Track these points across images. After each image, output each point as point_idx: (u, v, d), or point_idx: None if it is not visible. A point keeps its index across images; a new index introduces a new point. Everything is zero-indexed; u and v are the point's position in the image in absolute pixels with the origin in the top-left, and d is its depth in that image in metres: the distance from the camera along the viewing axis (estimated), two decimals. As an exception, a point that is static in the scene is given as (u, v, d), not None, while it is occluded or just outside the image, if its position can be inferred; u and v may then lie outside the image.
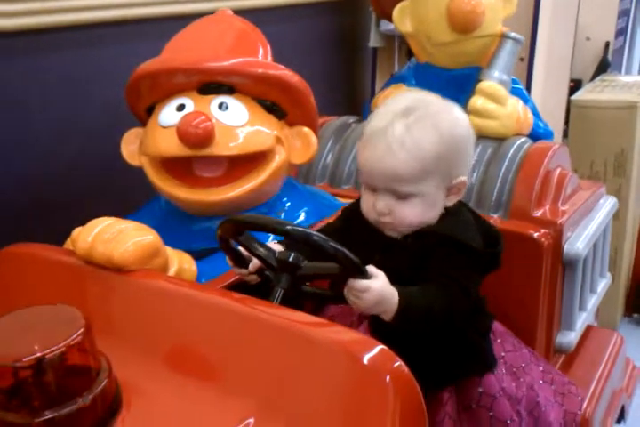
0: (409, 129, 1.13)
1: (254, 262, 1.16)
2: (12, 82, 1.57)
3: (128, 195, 1.65)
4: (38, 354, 0.82)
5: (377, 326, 1.21)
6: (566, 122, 3.31)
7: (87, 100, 1.73)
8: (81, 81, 1.71)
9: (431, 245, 1.15)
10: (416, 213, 1.16)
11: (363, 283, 1.04)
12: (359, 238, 1.21)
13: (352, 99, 2.79)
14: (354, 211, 1.27)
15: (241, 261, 1.17)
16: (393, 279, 1.09)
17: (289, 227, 1.05)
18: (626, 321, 2.94)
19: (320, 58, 2.50)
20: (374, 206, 1.17)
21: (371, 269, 1.06)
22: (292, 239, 1.08)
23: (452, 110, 1.20)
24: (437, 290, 1.12)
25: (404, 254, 1.18)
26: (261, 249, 1.13)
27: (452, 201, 1.21)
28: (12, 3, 1.50)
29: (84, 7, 1.66)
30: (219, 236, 1.12)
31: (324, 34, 2.56)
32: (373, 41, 2.67)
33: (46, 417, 0.82)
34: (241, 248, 1.16)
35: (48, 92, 1.65)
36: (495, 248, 1.22)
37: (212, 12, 1.54)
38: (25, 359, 0.82)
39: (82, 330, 0.86)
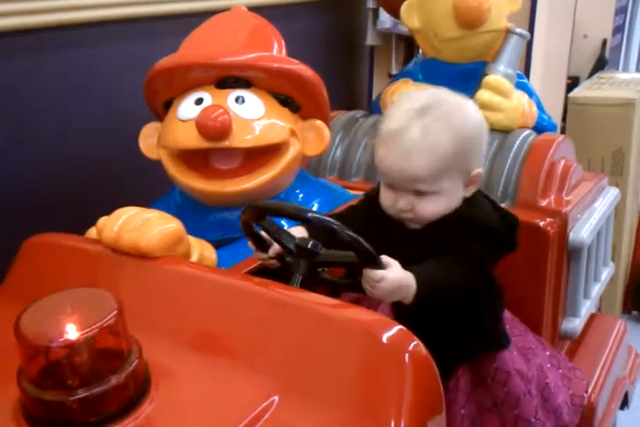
0: (424, 132, 1.14)
1: (275, 247, 1.19)
2: (9, 81, 1.59)
3: (132, 192, 1.68)
4: (72, 336, 0.85)
5: (398, 310, 1.25)
6: (564, 119, 3.33)
7: (85, 98, 1.76)
8: (79, 80, 1.74)
9: (451, 229, 1.18)
10: (437, 207, 1.19)
11: (378, 273, 1.06)
12: (380, 227, 1.24)
13: (350, 97, 2.81)
14: (376, 200, 1.28)
15: (262, 246, 1.21)
16: (409, 265, 1.11)
17: (310, 215, 1.09)
18: (624, 318, 2.96)
19: (317, 56, 2.49)
20: (395, 204, 1.19)
21: (385, 258, 1.09)
22: (313, 227, 1.12)
23: (466, 106, 1.21)
24: (454, 263, 1.15)
25: (426, 242, 1.20)
26: (282, 234, 1.17)
27: (470, 191, 1.23)
28: (10, 2, 1.52)
29: (84, 6, 1.68)
30: (243, 220, 1.16)
31: (321, 32, 2.58)
32: (370, 39, 2.69)
33: (80, 396, 0.86)
34: (263, 233, 1.19)
35: (46, 92, 1.67)
36: (513, 231, 1.24)
37: (208, 11, 1.57)
38: (60, 340, 0.85)
39: (115, 313, 0.89)
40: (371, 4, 2.65)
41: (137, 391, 0.92)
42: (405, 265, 1.11)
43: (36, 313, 0.91)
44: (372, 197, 1.32)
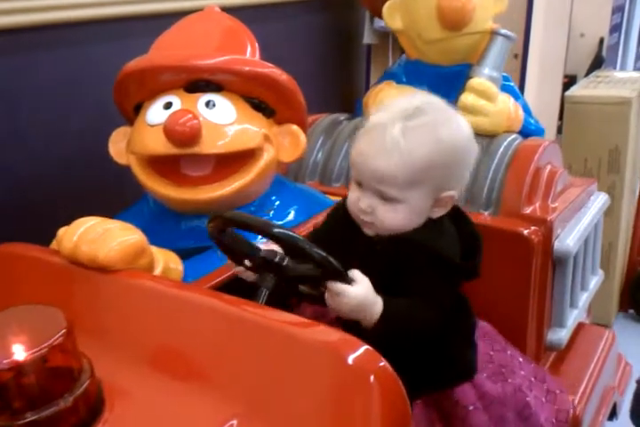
0: (407, 133, 1.10)
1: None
2: (1, 80, 1.56)
3: (119, 194, 1.65)
4: (19, 356, 0.81)
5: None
6: (560, 118, 3.31)
7: (78, 98, 1.73)
8: (71, 79, 1.71)
9: (405, 252, 1.14)
10: (398, 218, 1.14)
11: (339, 286, 1.03)
12: (343, 237, 1.20)
13: (346, 96, 2.78)
14: (336, 215, 1.26)
15: (235, 257, 1.16)
16: (372, 282, 1.08)
17: (275, 229, 1.04)
18: (621, 316, 2.95)
19: (314, 55, 2.49)
20: (357, 203, 1.15)
21: (355, 274, 1.05)
22: (278, 242, 1.07)
23: (458, 121, 1.17)
24: (420, 304, 1.11)
25: (381, 256, 1.16)
26: (246, 246, 1.13)
27: (437, 213, 1.18)
28: (3, 1, 1.49)
29: (76, 5, 1.65)
30: (209, 232, 1.12)
31: (318, 31, 2.56)
32: (367, 38, 2.66)
33: (28, 419, 0.82)
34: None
35: (38, 91, 1.64)
36: (473, 260, 1.19)
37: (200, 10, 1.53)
38: (5, 362, 0.81)
39: (63, 331, 0.85)
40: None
41: (89, 413, 0.88)
42: (365, 275, 1.08)
43: (-19, 333, 0.87)
44: (334, 210, 1.29)
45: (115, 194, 1.72)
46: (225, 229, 1.11)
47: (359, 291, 1.04)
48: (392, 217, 1.14)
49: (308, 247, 1.02)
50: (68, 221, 1.18)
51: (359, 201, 1.15)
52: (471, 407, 1.22)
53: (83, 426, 0.86)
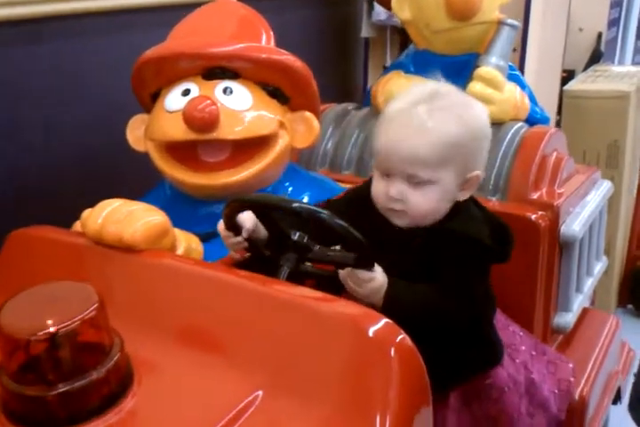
0: (433, 113, 1.12)
1: (247, 230, 1.15)
2: (2, 72, 1.57)
3: (123, 186, 1.66)
4: (52, 328, 0.84)
5: None
6: (559, 112, 3.32)
7: (77, 90, 1.74)
8: (73, 71, 1.72)
9: (441, 244, 1.15)
10: (430, 201, 1.15)
11: (366, 274, 1.07)
12: (362, 227, 1.19)
13: (344, 89, 2.79)
14: (359, 197, 1.26)
15: (234, 229, 1.17)
16: (395, 274, 1.12)
17: (296, 205, 1.07)
18: (620, 312, 2.96)
19: (311, 48, 2.50)
20: (387, 192, 1.16)
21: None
22: (302, 218, 1.09)
23: (477, 105, 1.20)
24: (440, 292, 1.13)
25: (408, 250, 1.18)
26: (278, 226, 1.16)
27: (464, 196, 1.20)
28: None
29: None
30: (226, 213, 1.15)
31: (316, 24, 2.56)
32: (365, 31, 2.68)
33: (60, 390, 0.84)
34: (240, 216, 1.16)
35: (39, 82, 1.66)
36: (507, 245, 1.21)
37: (202, 3, 1.54)
38: (39, 333, 0.84)
39: (95, 305, 0.88)
40: (370, -3, 2.63)
41: (119, 386, 0.91)
42: (388, 269, 1.11)
43: (16, 307, 0.90)
44: (354, 194, 1.30)
45: (120, 185, 1.72)
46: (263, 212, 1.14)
47: (382, 276, 1.09)
48: (423, 201, 1.15)
49: (353, 236, 1.04)
50: (74, 212, 1.21)
51: (388, 190, 1.16)
52: (506, 388, 1.26)
53: (113, 398, 0.89)
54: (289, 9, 2.34)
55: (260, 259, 1.19)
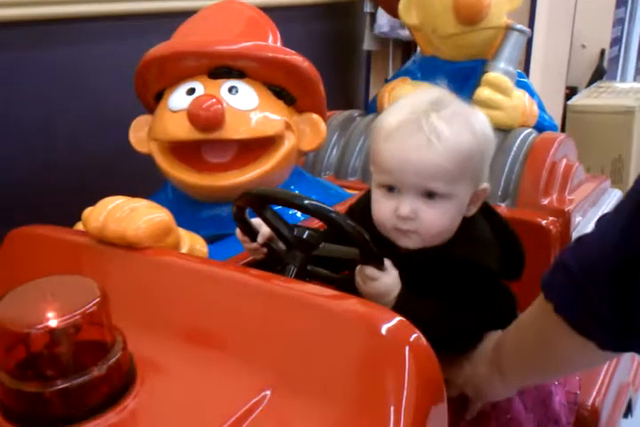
0: (445, 121, 1.02)
1: (263, 234, 1.13)
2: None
3: (123, 189, 1.64)
4: (52, 322, 0.81)
5: None
6: (562, 128, 3.32)
7: (78, 92, 1.73)
8: (70, 74, 1.71)
9: (444, 268, 1.08)
10: (445, 219, 1.05)
11: (375, 273, 1.03)
12: None
13: (346, 102, 2.78)
14: (359, 212, 1.18)
15: (250, 234, 1.15)
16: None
17: (306, 202, 1.02)
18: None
19: (314, 60, 2.49)
20: (396, 211, 1.05)
21: (387, 264, 1.04)
22: (312, 215, 1.06)
23: (480, 113, 1.11)
24: (449, 310, 1.07)
25: (413, 274, 1.08)
26: (281, 224, 1.12)
27: (471, 211, 1.10)
28: None
29: (76, 0, 1.65)
30: (237, 206, 1.11)
31: (318, 36, 2.56)
32: (367, 44, 2.67)
33: (59, 387, 0.81)
34: (254, 220, 1.14)
35: (36, 85, 1.64)
36: (518, 266, 1.17)
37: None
38: (39, 327, 0.80)
39: (97, 300, 0.85)
40: (368, 8, 2.63)
41: (120, 384, 0.87)
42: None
43: (15, 300, 0.86)
44: (354, 211, 1.22)
45: (120, 188, 1.71)
46: (260, 205, 1.10)
47: (390, 280, 1.05)
48: (438, 219, 1.05)
49: (356, 231, 1.00)
50: (74, 214, 1.18)
51: (398, 208, 1.05)
52: (514, 397, 1.20)
53: (114, 397, 0.85)
54: (291, 21, 2.33)
55: (279, 261, 1.15)
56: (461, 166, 1.03)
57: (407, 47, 2.84)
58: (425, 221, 1.05)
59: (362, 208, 1.16)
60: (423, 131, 1.01)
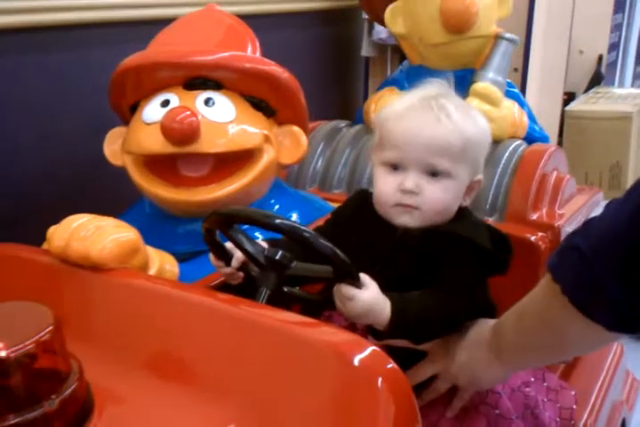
0: (454, 106, 1.10)
1: (237, 258, 1.09)
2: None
3: (111, 199, 1.60)
4: (2, 353, 0.76)
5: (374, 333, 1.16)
6: (560, 134, 3.28)
7: (70, 101, 1.69)
8: (64, 82, 1.67)
9: (442, 245, 1.10)
10: (446, 196, 1.10)
11: (349, 291, 0.99)
12: (357, 242, 1.15)
13: (344, 108, 2.75)
14: (347, 213, 1.22)
15: (224, 257, 1.11)
16: (396, 282, 1.06)
17: (278, 221, 0.98)
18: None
19: (312, 67, 2.48)
20: (400, 185, 1.09)
21: (363, 278, 1.01)
22: (284, 235, 1.01)
23: (474, 108, 1.19)
24: (441, 296, 1.07)
25: (410, 255, 1.12)
26: (250, 245, 1.07)
27: (465, 201, 1.16)
28: None
29: (71, 7, 1.62)
30: (205, 228, 1.06)
31: (316, 43, 2.54)
32: (365, 50, 2.64)
33: (11, 422, 0.76)
34: (227, 244, 1.10)
35: (30, 93, 1.60)
36: (507, 254, 1.16)
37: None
38: (-12, 357, 0.76)
39: (50, 328, 0.80)
40: (366, 15, 2.59)
41: (76, 417, 0.82)
42: (389, 275, 1.06)
43: (-36, 328, 0.82)
44: (340, 213, 1.24)
45: (107, 199, 1.67)
46: (229, 226, 1.05)
47: (367, 296, 1.00)
48: (440, 195, 1.09)
49: (322, 244, 0.96)
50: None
51: (403, 183, 1.09)
52: (502, 391, 1.19)
53: (70, 430, 0.81)
54: (289, 28, 2.32)
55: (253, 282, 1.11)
56: (465, 148, 1.09)
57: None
58: (427, 196, 1.09)
59: (348, 210, 1.22)
60: (434, 110, 1.09)
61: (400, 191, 1.09)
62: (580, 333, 0.91)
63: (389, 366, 0.85)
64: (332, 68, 2.66)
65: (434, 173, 1.09)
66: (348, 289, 0.99)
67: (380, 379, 0.83)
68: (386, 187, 1.11)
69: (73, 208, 1.16)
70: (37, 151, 1.64)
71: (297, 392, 0.85)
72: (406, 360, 0.90)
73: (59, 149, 1.67)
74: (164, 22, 1.50)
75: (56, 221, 1.14)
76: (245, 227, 1.10)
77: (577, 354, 1.33)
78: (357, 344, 0.87)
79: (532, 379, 1.32)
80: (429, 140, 1.08)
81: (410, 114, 1.11)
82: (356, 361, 0.84)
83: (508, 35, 1.80)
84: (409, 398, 0.85)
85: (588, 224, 0.88)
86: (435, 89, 1.14)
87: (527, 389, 1.28)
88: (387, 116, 1.14)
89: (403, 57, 2.77)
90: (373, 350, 0.86)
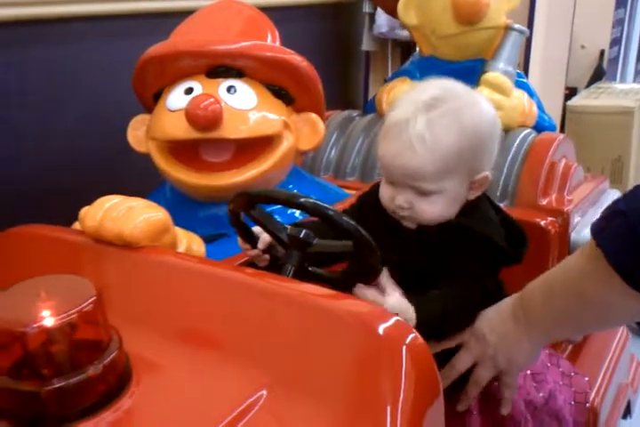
0: (430, 124, 1.06)
1: (264, 239, 1.14)
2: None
3: (121, 188, 1.64)
4: (48, 322, 0.81)
5: None
6: (562, 128, 3.31)
7: (73, 92, 1.73)
8: (64, 75, 1.71)
9: (452, 239, 1.12)
10: (437, 209, 1.12)
11: (376, 298, 1.06)
12: (376, 230, 1.15)
13: (344, 102, 2.77)
14: (370, 202, 1.23)
15: (251, 240, 1.15)
16: (413, 272, 1.11)
17: (302, 199, 1.03)
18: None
19: (313, 61, 2.50)
20: (393, 199, 1.13)
21: (386, 284, 1.08)
22: (307, 212, 1.06)
23: (480, 104, 1.13)
24: (457, 292, 1.10)
25: (424, 247, 1.14)
26: (273, 223, 1.12)
27: (473, 195, 1.15)
28: None
29: (71, 0, 1.65)
30: (230, 210, 1.11)
31: (317, 37, 2.56)
32: (366, 45, 2.67)
33: (55, 386, 0.81)
34: (254, 228, 1.14)
35: (31, 85, 1.64)
36: (522, 248, 1.18)
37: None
38: (35, 326, 0.80)
39: (93, 299, 0.84)
40: (367, 9, 2.62)
41: (116, 384, 0.86)
42: (401, 267, 1.11)
43: (10, 299, 0.87)
44: (364, 199, 1.27)
45: (117, 188, 1.71)
46: (251, 207, 1.10)
47: (391, 302, 1.06)
48: (431, 209, 1.11)
49: (344, 220, 1.01)
50: (71, 215, 1.18)
51: (395, 198, 1.12)
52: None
53: (110, 396, 0.85)
54: (290, 21, 2.32)
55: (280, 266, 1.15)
56: (446, 167, 1.08)
57: (406, 47, 2.83)
58: (419, 210, 1.12)
59: (372, 198, 1.21)
60: (409, 134, 1.07)
61: (394, 205, 1.13)
62: (621, 301, 0.88)
63: (412, 335, 0.89)
64: (333, 62, 2.69)
65: (422, 193, 1.10)
66: (374, 295, 1.05)
67: (403, 348, 0.87)
68: (385, 195, 1.15)
69: (81, 199, 1.20)
70: (41, 143, 1.67)
71: (323, 361, 0.90)
72: (439, 358, 0.93)
73: (62, 141, 1.71)
74: (168, 16, 1.54)
75: (67, 210, 1.19)
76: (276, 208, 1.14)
77: (616, 325, 1.27)
78: (382, 315, 0.92)
79: (548, 364, 1.36)
80: (404, 168, 1.08)
81: (388, 136, 1.11)
82: (381, 330, 0.88)
83: (517, 26, 1.84)
84: (431, 367, 0.89)
85: (634, 191, 0.86)
86: (428, 94, 1.10)
87: (543, 373, 1.32)
88: (383, 126, 1.14)
89: (403, 51, 2.82)
90: (397, 320, 0.90)
